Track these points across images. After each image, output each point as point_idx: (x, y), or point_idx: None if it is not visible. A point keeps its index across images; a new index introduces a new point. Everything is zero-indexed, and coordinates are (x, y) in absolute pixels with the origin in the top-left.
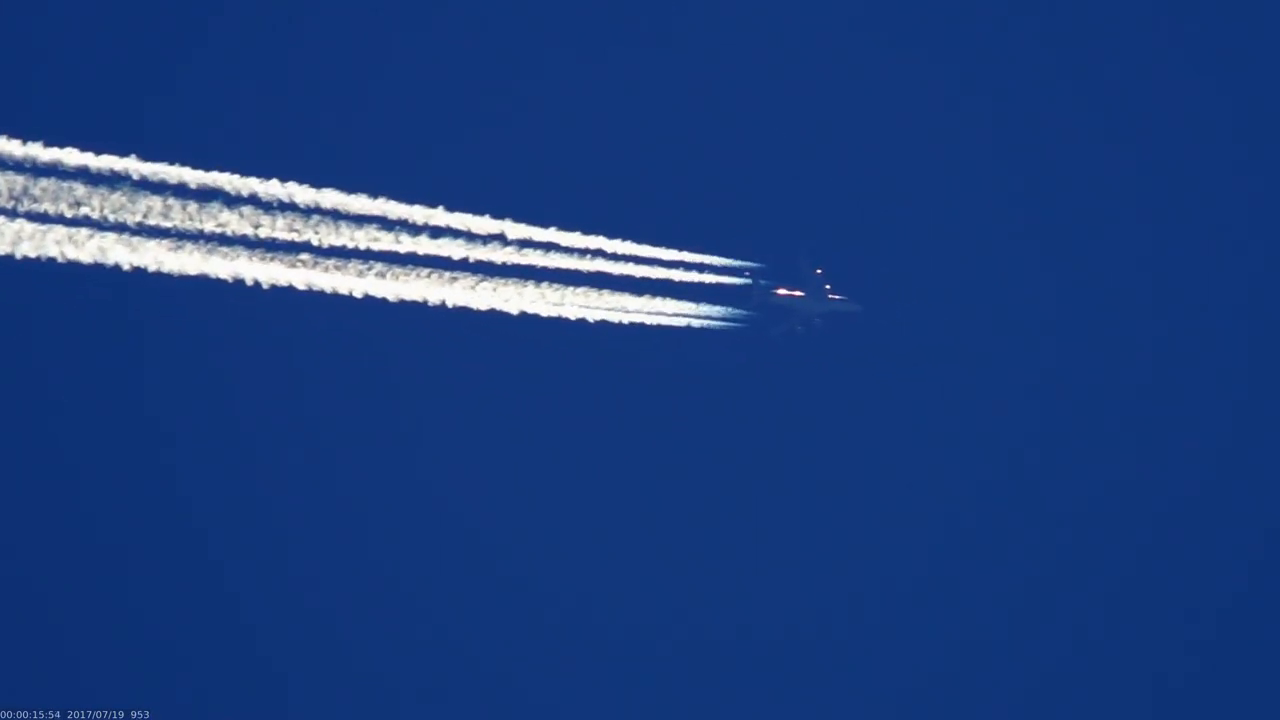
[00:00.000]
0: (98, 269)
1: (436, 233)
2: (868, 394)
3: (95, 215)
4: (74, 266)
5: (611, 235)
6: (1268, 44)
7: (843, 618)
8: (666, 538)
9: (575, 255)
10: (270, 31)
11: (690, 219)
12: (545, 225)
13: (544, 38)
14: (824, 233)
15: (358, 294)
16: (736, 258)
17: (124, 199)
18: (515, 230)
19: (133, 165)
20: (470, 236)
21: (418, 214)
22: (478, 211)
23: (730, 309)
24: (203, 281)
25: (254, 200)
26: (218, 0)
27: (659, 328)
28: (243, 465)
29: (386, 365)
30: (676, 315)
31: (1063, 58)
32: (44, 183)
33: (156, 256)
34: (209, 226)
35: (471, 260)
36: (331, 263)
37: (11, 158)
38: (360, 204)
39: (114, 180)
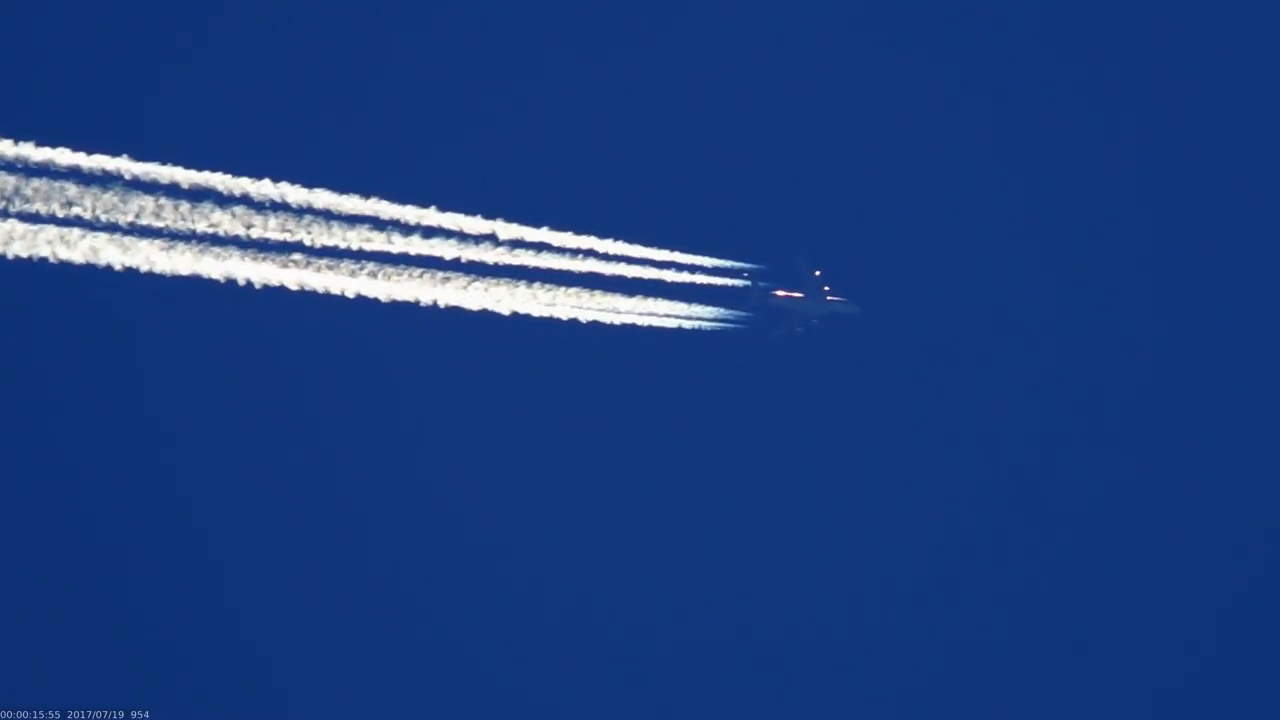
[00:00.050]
0: (90, 269)
1: (429, 233)
2: (866, 395)
3: (87, 215)
4: (66, 267)
5: (610, 236)
6: (1268, 44)
7: (842, 618)
8: (666, 538)
9: (572, 256)
10: (263, 32)
11: (689, 220)
12: (543, 226)
13: (540, 37)
14: (822, 234)
15: (350, 294)
16: (735, 259)
17: (116, 199)
18: (511, 231)
19: (125, 165)
20: (463, 236)
21: (410, 214)
22: (470, 212)
23: (729, 310)
24: (195, 282)
25: (246, 200)
26: (210, 1)
27: (658, 329)
28: (237, 465)
29: (380, 365)
30: (676, 316)
31: (1061, 58)
32: (36, 183)
33: (149, 257)
34: (201, 227)
35: (464, 260)
36: (324, 263)
37: (3, 158)
38: (352, 204)
39: (106, 180)
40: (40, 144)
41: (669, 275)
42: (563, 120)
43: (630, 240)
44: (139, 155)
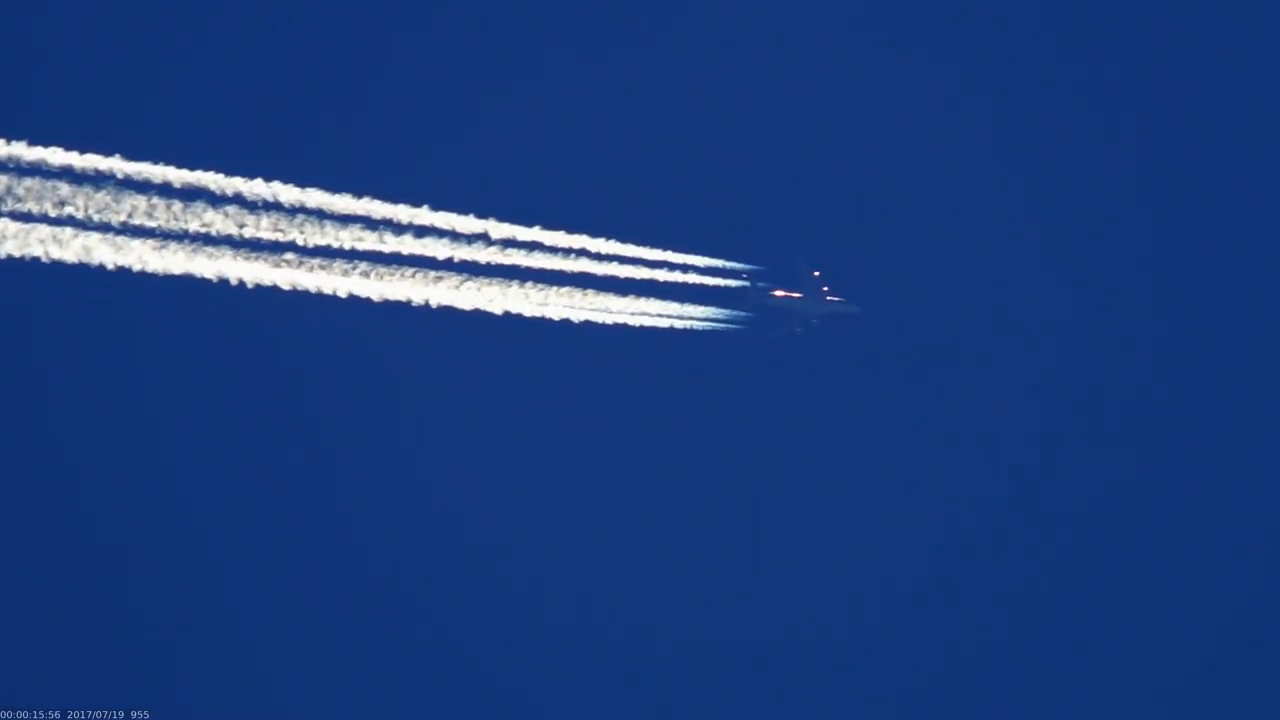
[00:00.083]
0: (83, 268)
1: (421, 232)
2: (866, 395)
3: (80, 215)
4: (59, 266)
5: (610, 237)
6: (1268, 44)
7: (841, 619)
8: (666, 538)
9: (569, 256)
10: (256, 32)
11: (688, 220)
12: (542, 227)
13: (536, 35)
14: (821, 234)
15: (342, 294)
16: (735, 260)
17: (109, 198)
18: (506, 231)
19: (117, 164)
20: (455, 236)
21: (402, 214)
22: (464, 211)
23: (728, 311)
24: (188, 281)
25: (239, 200)
26: (203, 1)
27: (658, 329)
28: (231, 464)
29: (374, 365)
30: (675, 317)
31: (1060, 57)
32: (28, 182)
33: (141, 256)
34: (193, 226)
35: (456, 260)
36: (316, 262)
37: None
38: (345, 204)
39: (99, 179)
40: (33, 143)
41: (668, 275)
42: (561, 120)
43: (629, 240)
44: (131, 155)
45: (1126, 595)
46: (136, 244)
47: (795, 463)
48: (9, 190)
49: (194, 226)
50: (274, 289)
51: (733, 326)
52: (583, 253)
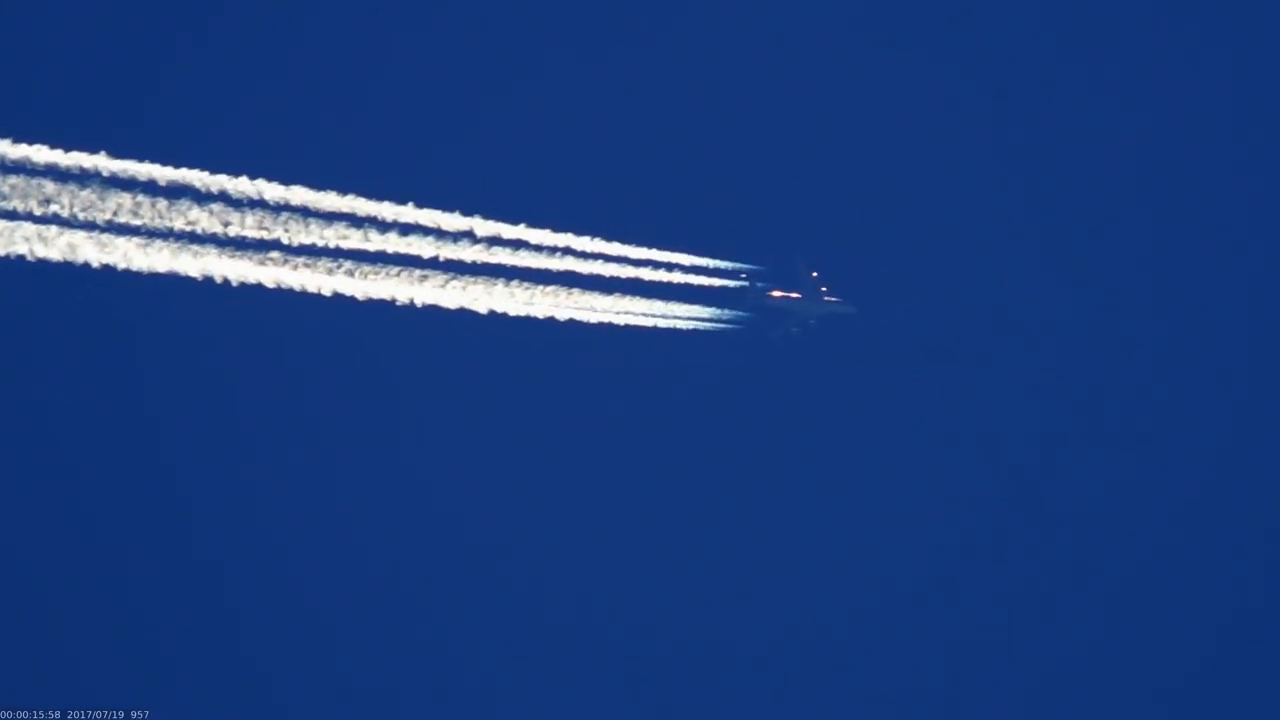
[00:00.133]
0: (67, 267)
1: (408, 230)
2: (864, 395)
3: (65, 213)
4: (44, 264)
5: (608, 237)
6: (1268, 44)
7: (838, 620)
8: (664, 538)
9: (567, 256)
10: (240, 30)
11: (686, 221)
12: (540, 227)
13: (535, 33)
14: (819, 235)
15: (327, 292)
16: (732, 260)
17: (94, 196)
18: (507, 231)
19: (102, 162)
20: (440, 234)
21: (399, 212)
22: (464, 210)
23: (727, 311)
24: (172, 279)
25: (224, 197)
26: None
27: (656, 329)
28: (218, 462)
29: (361, 364)
30: (673, 317)
31: (1057, 57)
32: (13, 180)
33: (126, 254)
34: (178, 224)
35: (441, 259)
36: (301, 261)
37: None
38: (330, 201)
39: (83, 177)
40: (17, 141)
41: (667, 276)
42: (559, 120)
43: (629, 241)
44: (116, 153)
45: (1125, 595)
46: (122, 242)
47: (793, 463)
48: None
49: (179, 224)
50: (259, 287)
51: (731, 327)
52: (581, 253)
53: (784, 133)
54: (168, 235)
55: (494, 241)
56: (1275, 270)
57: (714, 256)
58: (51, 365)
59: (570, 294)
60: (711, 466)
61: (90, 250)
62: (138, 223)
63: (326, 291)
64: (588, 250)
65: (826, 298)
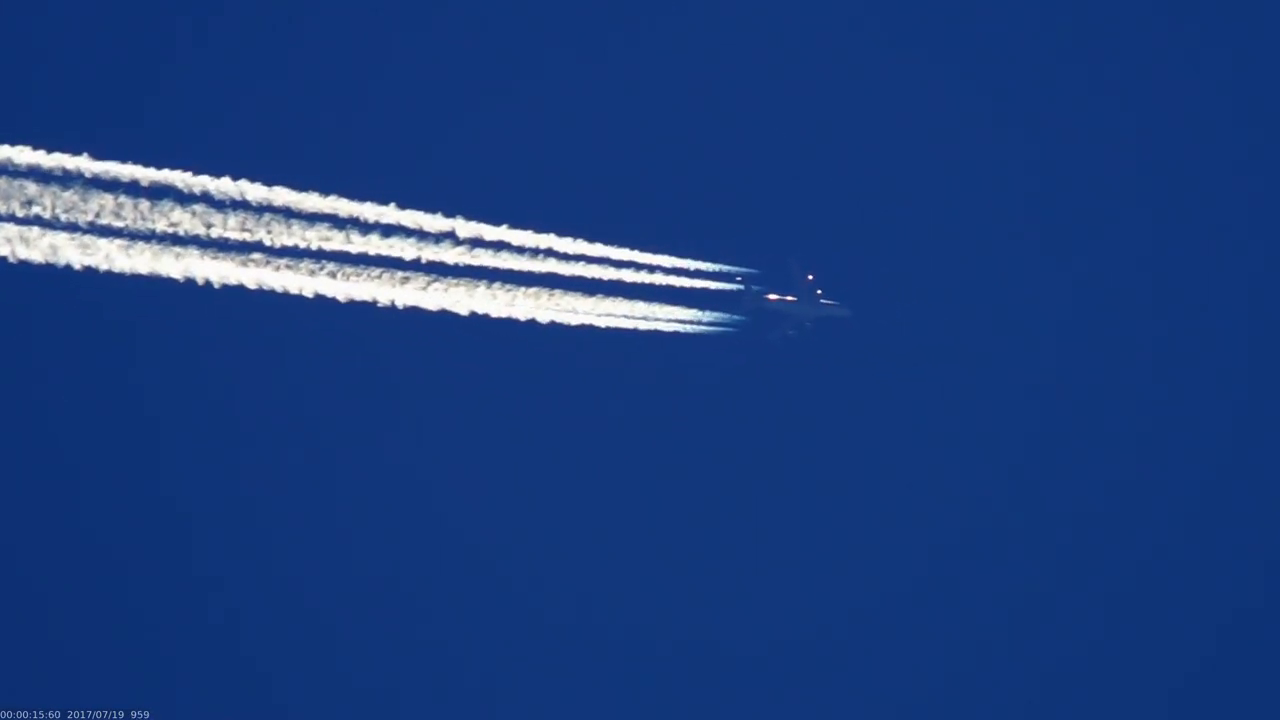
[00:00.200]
0: (49, 268)
1: (388, 231)
2: (860, 398)
3: (46, 214)
4: (25, 266)
5: (604, 240)
6: (1268, 44)
7: (835, 620)
8: (660, 541)
9: (563, 260)
10: (222, 30)
11: (683, 225)
12: (540, 231)
13: (526, 35)
14: (815, 238)
15: (309, 294)
16: (728, 263)
17: (75, 197)
18: (500, 234)
19: (84, 164)
20: (422, 234)
21: (381, 213)
22: (451, 213)
23: (723, 314)
24: (154, 281)
25: (206, 198)
26: (168, 1)
27: (652, 333)
28: (207, 462)
29: (345, 366)
30: (669, 320)
31: (1054, 57)
32: None
33: (108, 255)
34: (161, 226)
35: (425, 260)
36: (283, 262)
37: None
38: (312, 201)
39: (65, 179)
40: None
41: (663, 279)
42: (554, 123)
43: (624, 245)
44: (98, 154)
45: (1124, 595)
46: (104, 243)
47: (790, 465)
48: None
49: (162, 226)
50: (241, 289)
51: (727, 330)
52: (574, 256)
53: (779, 136)
54: (150, 237)
55: (476, 243)
56: (1275, 270)
57: (710, 260)
58: (35, 367)
59: (562, 297)
60: (708, 469)
61: (72, 252)
62: (120, 224)
63: (309, 293)
64: (578, 253)
65: (822, 300)
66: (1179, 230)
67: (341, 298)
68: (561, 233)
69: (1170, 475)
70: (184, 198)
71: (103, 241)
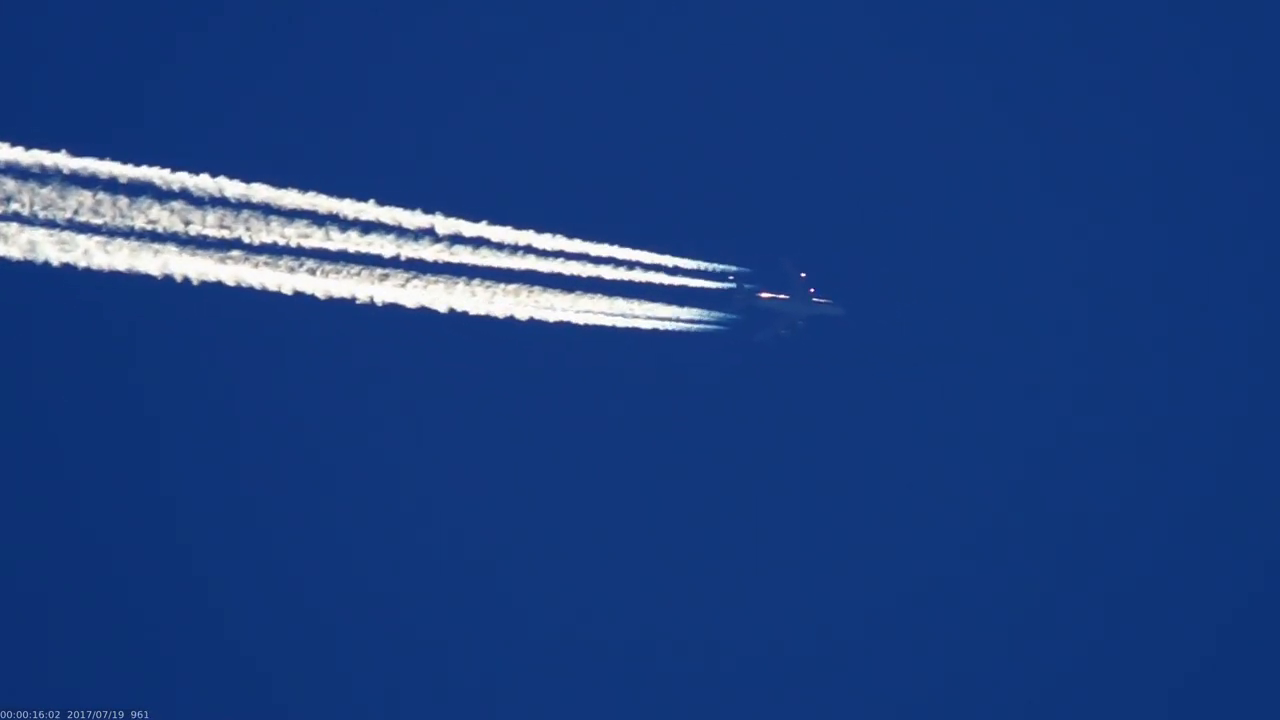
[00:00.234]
0: (27, 265)
1: (367, 227)
2: (853, 396)
3: (24, 210)
4: (2, 262)
5: (596, 239)
6: (1268, 44)
7: (832, 621)
8: (655, 540)
9: (554, 258)
10: (201, 28)
11: (675, 223)
12: (537, 230)
13: (510, 31)
14: (807, 237)
15: (288, 291)
16: (720, 261)
17: (53, 194)
18: (493, 233)
19: (62, 160)
20: (401, 231)
21: (360, 209)
22: (468, 214)
23: (715, 313)
24: (132, 277)
25: (184, 195)
26: None
27: (644, 331)
28: (213, 463)
29: (324, 363)
30: (661, 319)
31: (1052, 57)
32: None
33: (86, 252)
34: (139, 222)
35: (413, 257)
36: (262, 259)
37: None
38: (291, 198)
39: (43, 175)
40: None
41: (655, 277)
42: (538, 119)
43: (616, 242)
44: (76, 150)
45: (1123, 596)
46: (82, 240)
47: (782, 464)
48: None
49: (140, 223)
50: (220, 285)
51: (719, 328)
52: (572, 255)
53: (770, 131)
54: (129, 233)
55: (456, 240)
56: (1275, 270)
57: (702, 258)
58: (14, 364)
59: (554, 294)
60: (699, 468)
61: (51, 248)
62: (99, 221)
63: (288, 290)
64: (575, 251)
65: (815, 299)
66: (1177, 230)
67: (320, 295)
68: (541, 229)
69: (1170, 475)
70: (162, 194)
71: (81, 238)
